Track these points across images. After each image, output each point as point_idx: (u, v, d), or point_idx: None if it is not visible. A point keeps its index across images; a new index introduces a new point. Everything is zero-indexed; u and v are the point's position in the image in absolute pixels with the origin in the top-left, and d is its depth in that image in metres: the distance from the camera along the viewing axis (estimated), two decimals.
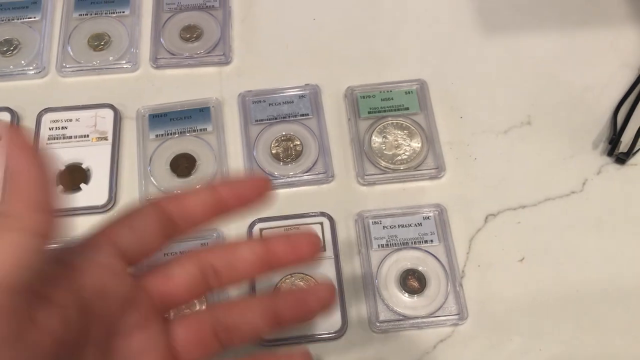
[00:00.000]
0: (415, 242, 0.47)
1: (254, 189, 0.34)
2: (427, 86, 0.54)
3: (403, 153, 0.51)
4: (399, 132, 0.52)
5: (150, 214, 0.32)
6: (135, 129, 0.53)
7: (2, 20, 0.58)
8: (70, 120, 0.53)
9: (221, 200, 0.33)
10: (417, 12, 0.58)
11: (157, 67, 0.56)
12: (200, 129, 0.52)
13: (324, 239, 0.48)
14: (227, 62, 0.56)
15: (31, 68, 0.55)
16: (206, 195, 0.33)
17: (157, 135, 0.52)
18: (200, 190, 0.34)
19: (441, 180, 0.50)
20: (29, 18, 0.58)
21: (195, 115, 0.53)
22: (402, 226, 0.48)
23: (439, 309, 0.45)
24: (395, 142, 0.51)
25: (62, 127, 0.52)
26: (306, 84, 0.54)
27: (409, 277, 0.46)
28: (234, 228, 0.48)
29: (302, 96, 0.54)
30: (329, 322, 0.45)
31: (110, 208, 0.50)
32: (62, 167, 0.51)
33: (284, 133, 0.52)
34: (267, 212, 0.49)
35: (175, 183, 0.50)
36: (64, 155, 0.51)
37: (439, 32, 0.57)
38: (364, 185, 0.50)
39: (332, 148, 0.52)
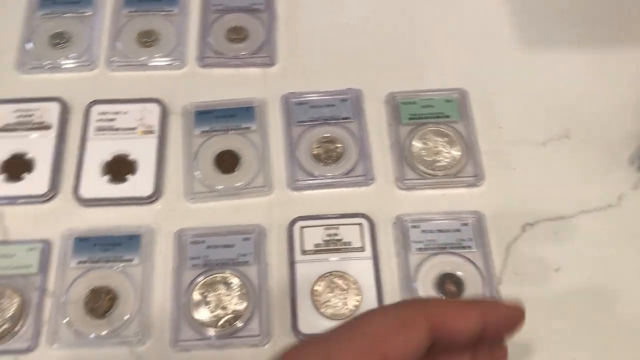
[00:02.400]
0: (453, 247, 0.48)
1: (512, 320, 0.32)
2: (468, 95, 0.55)
3: (443, 160, 0.52)
4: (439, 139, 0.53)
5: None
6: (181, 124, 0.54)
7: (55, 14, 0.59)
8: (118, 112, 0.54)
9: (484, 329, 0.31)
10: (460, 23, 0.59)
11: (204, 66, 0.57)
12: (244, 127, 0.54)
13: (362, 240, 0.49)
14: (271, 64, 0.57)
15: (81, 61, 0.57)
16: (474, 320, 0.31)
17: (202, 132, 0.53)
18: (469, 312, 0.31)
19: (480, 188, 0.51)
20: (80, 12, 0.59)
21: (240, 114, 0.54)
22: (441, 231, 0.49)
23: None
24: (435, 149, 0.52)
25: (110, 119, 0.54)
26: (348, 88, 0.55)
27: (447, 281, 0.47)
28: (275, 225, 0.49)
29: (344, 100, 0.55)
30: None
31: (155, 200, 0.51)
32: (109, 158, 0.52)
33: (325, 135, 0.53)
34: (307, 210, 0.50)
35: (219, 178, 0.51)
36: (111, 146, 0.53)
37: (481, 43, 0.58)
38: (403, 189, 0.51)
39: (372, 151, 0.53)
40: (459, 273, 0.47)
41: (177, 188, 0.52)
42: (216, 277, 0.47)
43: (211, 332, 0.45)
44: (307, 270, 0.48)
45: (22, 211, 0.50)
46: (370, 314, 0.31)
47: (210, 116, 0.54)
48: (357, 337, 0.29)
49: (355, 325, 0.30)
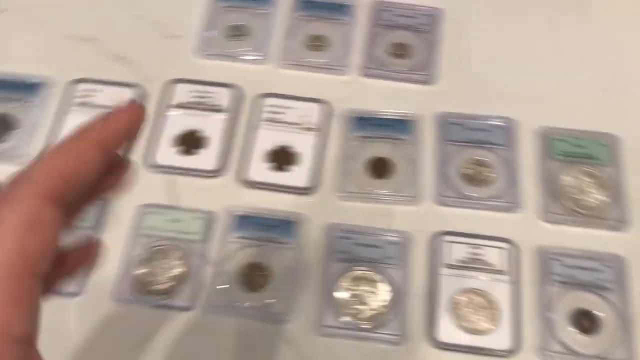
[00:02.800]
0: (592, 286, 0.50)
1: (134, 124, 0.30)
2: (620, 141, 0.56)
3: (589, 200, 0.53)
4: (588, 179, 0.54)
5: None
6: (341, 127, 0.58)
7: (235, 7, 0.64)
8: (287, 107, 0.58)
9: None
10: (621, 69, 0.60)
11: (366, 75, 0.61)
12: (399, 138, 0.57)
13: (505, 264, 0.51)
14: (429, 82, 0.60)
15: (256, 54, 0.61)
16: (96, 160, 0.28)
17: (360, 136, 0.57)
18: (86, 153, 0.28)
19: (624, 233, 0.52)
20: (258, 9, 0.64)
21: (396, 125, 0.57)
22: (582, 268, 0.50)
23: (608, 352, 0.47)
24: (583, 188, 0.54)
25: (279, 112, 0.58)
26: (504, 117, 0.57)
27: (583, 318, 0.48)
28: (418, 235, 0.52)
29: (498, 126, 0.57)
30: (505, 341, 0.48)
31: (310, 192, 0.55)
32: (274, 147, 0.56)
33: (477, 157, 0.56)
34: (451, 226, 0.52)
35: (371, 183, 0.55)
36: (277, 137, 0.57)
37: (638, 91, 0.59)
38: (547, 221, 0.53)
39: (521, 180, 0.55)
40: (595, 311, 0.49)
41: (332, 184, 0.55)
42: (362, 273, 0.50)
43: (352, 323, 0.48)
44: (449, 283, 0.50)
45: (193, 182, 0.55)
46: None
47: (368, 123, 0.58)
48: None
49: None
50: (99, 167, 0.28)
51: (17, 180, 0.26)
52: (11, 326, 0.24)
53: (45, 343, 0.48)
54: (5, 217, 0.24)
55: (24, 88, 0.59)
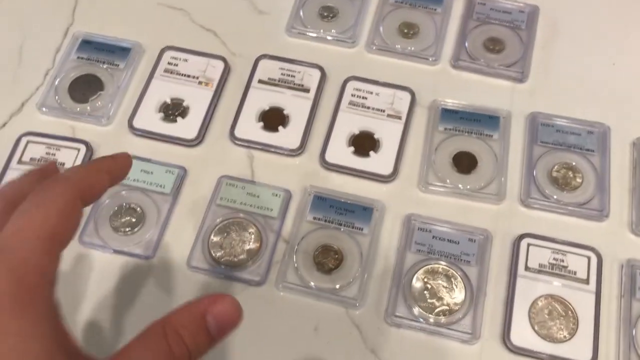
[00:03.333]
0: None
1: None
2: None
3: None
4: None
5: None
6: (426, 117, 0.56)
7: None
8: (371, 92, 0.57)
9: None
10: None
11: (456, 67, 0.59)
12: (486, 134, 0.55)
13: (588, 273, 0.49)
14: (522, 80, 0.58)
15: (344, 37, 0.61)
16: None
17: (445, 129, 0.56)
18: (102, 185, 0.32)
19: None
20: None
21: (484, 121, 0.56)
22: None
23: None
24: None
25: (363, 97, 0.57)
26: (598, 122, 0.55)
27: None
28: (499, 235, 0.50)
29: (590, 132, 0.55)
30: (581, 352, 0.46)
31: (391, 180, 0.53)
32: (357, 132, 0.55)
33: (567, 161, 0.53)
34: (534, 229, 0.50)
35: (454, 177, 0.53)
36: (360, 121, 0.56)
37: None
38: (636, 234, 0.51)
39: (611, 189, 0.52)
40: None
41: (412, 175, 0.54)
42: (439, 267, 0.49)
43: (424, 316, 0.47)
44: (528, 286, 0.48)
45: (271, 159, 0.55)
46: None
47: (455, 116, 0.56)
48: None
49: None
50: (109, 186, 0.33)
51: (56, 178, 0.30)
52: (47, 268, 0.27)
53: (116, 303, 0.49)
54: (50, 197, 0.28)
55: (113, 51, 0.60)
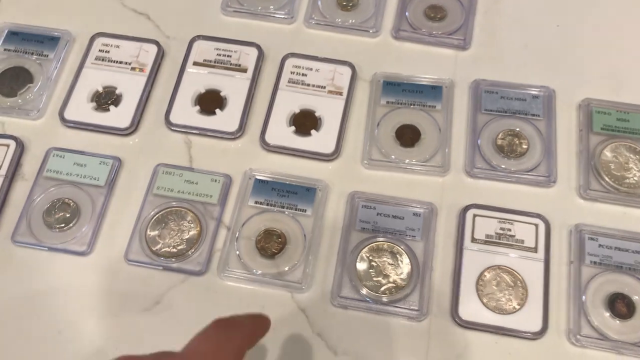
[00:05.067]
0: (630, 269, 0.46)
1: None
2: None
3: (632, 177, 0.50)
4: (632, 155, 0.50)
5: None
6: (368, 91, 0.55)
7: None
8: (311, 69, 0.56)
9: None
10: None
11: (397, 39, 0.58)
12: (429, 105, 0.54)
13: (536, 241, 0.48)
14: (464, 48, 0.57)
15: (282, 13, 0.59)
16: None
17: (387, 102, 0.54)
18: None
19: None
20: None
21: (426, 91, 0.54)
22: (619, 249, 0.47)
23: None
24: (626, 165, 0.50)
25: (302, 74, 0.55)
26: (542, 86, 0.54)
27: (618, 301, 0.45)
28: (445, 207, 0.49)
29: (535, 96, 0.54)
30: (531, 322, 0.45)
31: (333, 159, 0.52)
32: (297, 110, 0.54)
33: (512, 128, 0.52)
34: (480, 200, 0.49)
35: (397, 151, 0.52)
36: (300, 99, 0.54)
37: None
38: (584, 198, 0.50)
39: (558, 154, 0.51)
40: (634, 297, 0.45)
41: (355, 151, 0.53)
42: (383, 244, 0.48)
43: (370, 296, 0.46)
44: (475, 258, 0.47)
45: (209, 143, 0.53)
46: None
47: (397, 89, 0.54)
48: None
49: None
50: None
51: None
52: None
53: (55, 302, 0.47)
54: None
55: (42, 42, 0.58)
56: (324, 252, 0.48)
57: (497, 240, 0.48)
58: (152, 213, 0.49)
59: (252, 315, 0.37)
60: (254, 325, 0.36)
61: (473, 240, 0.48)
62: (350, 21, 0.58)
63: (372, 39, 0.58)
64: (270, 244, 0.48)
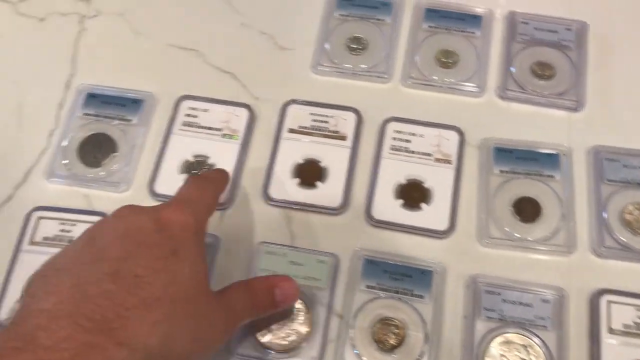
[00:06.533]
0: None
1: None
2: None
3: None
4: None
5: None
6: (478, 158, 0.51)
7: (354, 17, 0.58)
8: (414, 134, 0.52)
9: None
10: None
11: (503, 98, 0.54)
12: (547, 175, 0.50)
13: None
14: (577, 109, 0.53)
15: (376, 71, 0.55)
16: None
17: (501, 171, 0.50)
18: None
19: None
20: (378, 19, 0.57)
21: (542, 159, 0.50)
22: None
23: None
24: None
25: (405, 140, 0.52)
26: None
27: None
28: (574, 292, 0.45)
29: None
30: None
31: (447, 236, 0.48)
32: (403, 181, 0.50)
33: (638, 201, 0.48)
34: (614, 283, 0.45)
35: (517, 227, 0.48)
36: (405, 169, 0.50)
37: None
38: None
39: None
40: None
41: (469, 227, 0.49)
42: (513, 337, 0.44)
43: None
44: (615, 352, 0.43)
45: (310, 219, 0.50)
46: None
47: (510, 156, 0.51)
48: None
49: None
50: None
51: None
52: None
53: None
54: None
55: (124, 105, 0.54)
56: (447, 345, 0.45)
57: (636, 332, 0.44)
58: None
59: (217, 170, 0.47)
60: (221, 176, 0.46)
61: (610, 331, 0.44)
62: (452, 80, 0.54)
63: (476, 99, 0.54)
64: (388, 335, 0.44)
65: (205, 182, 0.44)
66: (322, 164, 0.51)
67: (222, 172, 0.47)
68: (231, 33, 0.58)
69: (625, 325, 0.44)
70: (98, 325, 0.31)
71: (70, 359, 0.29)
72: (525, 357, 0.43)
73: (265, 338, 0.45)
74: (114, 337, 0.31)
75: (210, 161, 0.51)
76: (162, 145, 0.52)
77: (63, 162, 0.52)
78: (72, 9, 0.60)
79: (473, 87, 0.54)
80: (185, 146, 0.52)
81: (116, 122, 0.54)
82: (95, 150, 0.52)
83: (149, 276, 0.34)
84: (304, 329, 0.45)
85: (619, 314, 0.44)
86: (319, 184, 0.50)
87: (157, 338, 0.32)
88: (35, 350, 0.29)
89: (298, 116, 0.53)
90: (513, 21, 0.57)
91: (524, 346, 0.44)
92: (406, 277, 0.46)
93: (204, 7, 0.59)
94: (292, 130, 0.52)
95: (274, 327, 0.45)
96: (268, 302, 0.41)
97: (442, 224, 0.48)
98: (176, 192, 0.42)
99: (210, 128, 0.53)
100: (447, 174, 0.50)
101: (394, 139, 0.52)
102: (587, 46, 0.55)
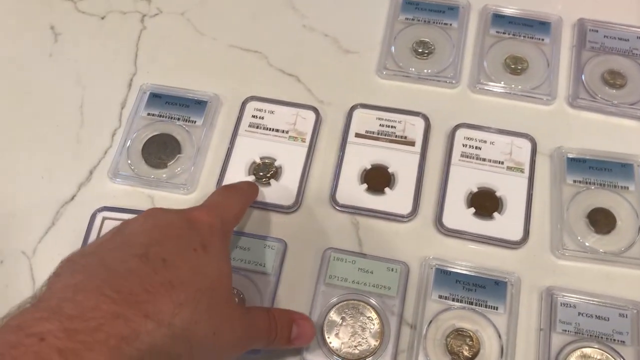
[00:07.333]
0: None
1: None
2: None
3: None
4: None
5: None
6: (550, 168, 0.50)
7: (420, 21, 0.57)
8: (485, 141, 0.51)
9: None
10: None
11: (575, 107, 0.53)
12: (621, 186, 0.49)
13: None
14: None
15: (444, 76, 0.54)
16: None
17: (575, 181, 0.49)
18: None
19: None
20: (444, 24, 0.57)
21: (616, 170, 0.49)
22: None
23: None
24: None
25: (476, 147, 0.51)
26: None
27: None
28: None
29: None
30: None
31: (522, 246, 0.47)
32: (474, 189, 0.49)
33: None
34: None
35: (591, 238, 0.47)
36: (476, 177, 0.50)
37: None
38: None
39: None
40: None
41: (542, 238, 0.48)
42: (592, 351, 0.43)
43: None
44: None
45: (378, 226, 0.49)
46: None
47: (583, 166, 0.50)
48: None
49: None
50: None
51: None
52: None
53: None
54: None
55: (188, 105, 0.54)
56: (521, 358, 0.44)
57: None
58: (329, 306, 0.45)
59: (246, 182, 0.48)
60: (250, 188, 0.47)
61: None
62: (521, 87, 0.53)
63: (546, 107, 0.53)
64: (462, 347, 0.44)
65: (234, 191, 0.45)
66: (391, 170, 0.50)
67: (252, 185, 0.48)
68: (294, 35, 0.57)
69: None
70: (125, 297, 0.31)
71: (96, 328, 0.29)
72: None
73: (335, 345, 0.44)
74: (141, 309, 0.31)
75: (277, 163, 0.51)
76: (230, 147, 0.52)
77: (128, 162, 0.52)
78: (132, 7, 0.60)
79: (543, 94, 0.53)
80: (252, 147, 0.51)
81: (180, 122, 0.53)
82: (160, 151, 0.52)
83: (176, 261, 0.34)
84: (375, 339, 0.44)
85: None
86: (387, 190, 0.49)
87: (181, 320, 0.32)
88: (60, 319, 0.29)
89: (364, 120, 0.52)
90: (582, 28, 0.56)
91: None
92: (480, 288, 0.46)
93: (265, 8, 0.59)
94: (358, 135, 0.52)
95: (344, 335, 0.44)
96: (285, 335, 0.41)
97: (516, 234, 0.47)
98: (206, 199, 0.43)
99: (276, 130, 0.52)
100: (519, 182, 0.49)
101: (465, 145, 0.51)
102: None
